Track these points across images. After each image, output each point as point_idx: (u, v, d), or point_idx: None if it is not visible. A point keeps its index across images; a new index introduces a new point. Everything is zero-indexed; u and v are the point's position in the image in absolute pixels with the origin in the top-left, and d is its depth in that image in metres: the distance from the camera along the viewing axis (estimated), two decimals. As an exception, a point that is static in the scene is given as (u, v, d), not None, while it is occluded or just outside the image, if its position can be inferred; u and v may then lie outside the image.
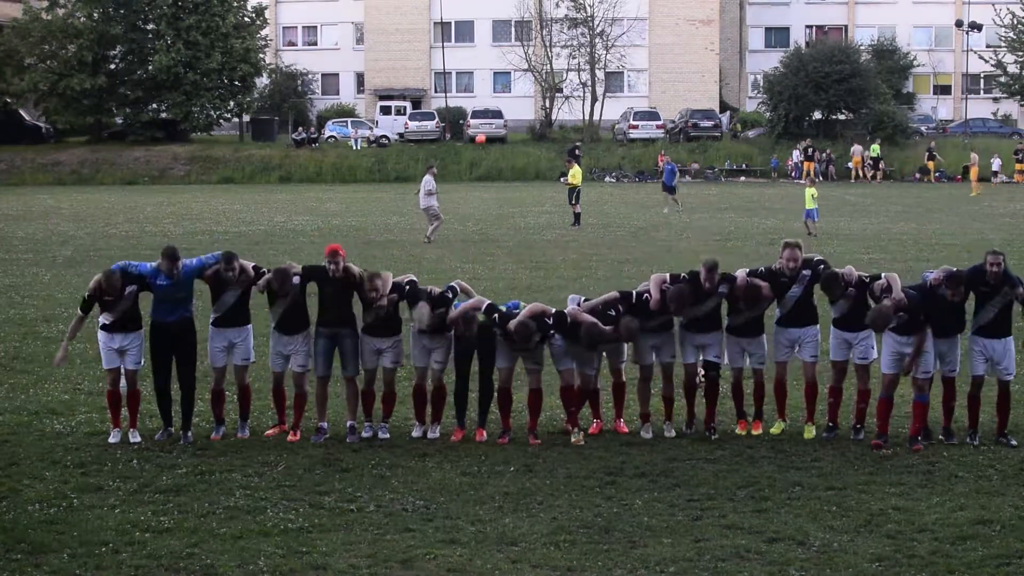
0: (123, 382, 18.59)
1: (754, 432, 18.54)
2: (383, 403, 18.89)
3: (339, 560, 13.28)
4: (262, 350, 19.46)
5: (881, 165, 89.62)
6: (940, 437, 18.15)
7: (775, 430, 18.81)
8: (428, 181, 46.81)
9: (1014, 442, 17.86)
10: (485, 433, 18.58)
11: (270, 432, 18.64)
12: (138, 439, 18.18)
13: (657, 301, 18.27)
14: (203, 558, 13.36)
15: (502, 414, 18.61)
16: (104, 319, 18.32)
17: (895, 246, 43.17)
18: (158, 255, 18.62)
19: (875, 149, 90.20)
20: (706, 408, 18.73)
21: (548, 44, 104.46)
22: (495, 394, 18.69)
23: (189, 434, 18.58)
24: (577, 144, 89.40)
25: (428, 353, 18.57)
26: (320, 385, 18.70)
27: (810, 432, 18.64)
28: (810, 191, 48.54)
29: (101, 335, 18.43)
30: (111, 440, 18.18)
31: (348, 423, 18.82)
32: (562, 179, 57.13)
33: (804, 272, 18.62)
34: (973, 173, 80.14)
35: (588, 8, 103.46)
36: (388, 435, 18.57)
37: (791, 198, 68.47)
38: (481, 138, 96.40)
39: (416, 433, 18.59)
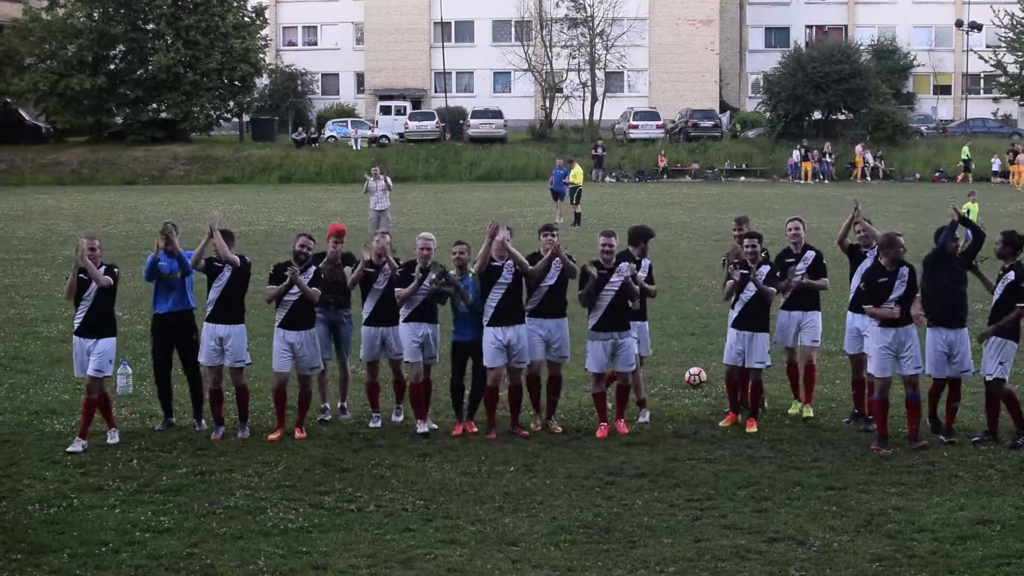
0: (123, 383, 18.68)
1: (748, 430, 18.71)
2: (394, 389, 19.49)
3: (339, 560, 13.30)
4: (262, 351, 19.48)
5: (971, 167, 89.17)
6: (940, 437, 18.17)
7: (793, 410, 19.66)
8: (368, 182, 46.70)
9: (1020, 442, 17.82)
10: (474, 426, 18.92)
11: (273, 437, 18.47)
12: (78, 448, 17.81)
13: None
14: (203, 558, 13.38)
15: (488, 411, 18.77)
16: (77, 317, 18.23)
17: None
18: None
19: (965, 152, 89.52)
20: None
21: (548, 44, 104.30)
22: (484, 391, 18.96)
23: (203, 421, 18.99)
24: (600, 143, 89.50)
25: (420, 348, 18.74)
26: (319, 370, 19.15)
27: (808, 412, 19.47)
28: (975, 207, 42.44)
29: (74, 340, 18.40)
30: (109, 441, 18.17)
31: (340, 404, 19.64)
32: (564, 180, 56.95)
33: (809, 252, 19.46)
34: (1020, 170, 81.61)
35: (588, 8, 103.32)
36: (401, 417, 19.16)
37: (791, 198, 68.50)
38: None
39: (422, 429, 18.72)
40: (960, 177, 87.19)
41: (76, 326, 18.24)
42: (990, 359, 17.87)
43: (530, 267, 18.52)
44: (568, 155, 72.49)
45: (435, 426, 18.98)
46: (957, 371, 18.32)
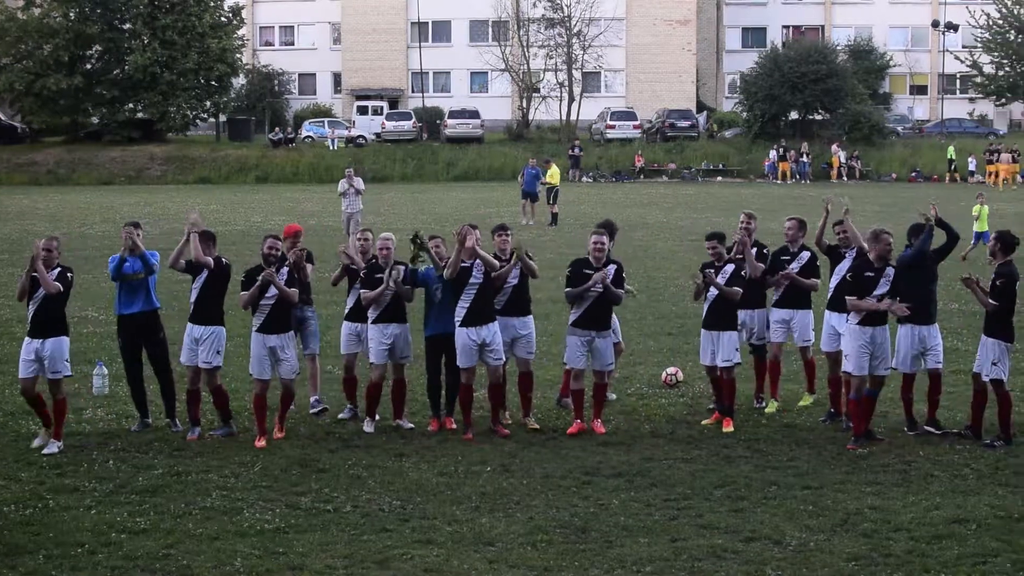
0: (99, 384, 18.61)
1: (725, 429, 18.84)
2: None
3: (316, 561, 13.28)
4: (239, 351, 19.43)
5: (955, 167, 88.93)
6: (929, 429, 18.36)
7: (769, 409, 19.82)
8: (341, 184, 45.85)
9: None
10: (453, 422, 19.09)
11: (260, 444, 18.10)
12: (55, 450, 17.74)
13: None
14: (179, 559, 13.35)
15: (464, 411, 18.80)
16: (28, 317, 18.08)
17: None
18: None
19: (951, 152, 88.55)
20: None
21: (525, 44, 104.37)
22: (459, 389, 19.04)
23: (177, 422, 18.98)
24: (577, 143, 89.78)
25: (389, 351, 18.85)
26: None
27: (807, 400, 20.14)
28: (984, 209, 41.65)
29: (24, 341, 18.23)
30: (35, 443, 17.95)
31: (312, 398, 19.69)
32: (541, 180, 56.86)
33: (804, 252, 19.78)
34: (1005, 170, 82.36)
35: (565, 8, 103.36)
36: (372, 428, 18.91)
37: (768, 198, 68.55)
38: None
39: (368, 428, 18.88)
40: (948, 178, 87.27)
41: (28, 328, 18.09)
42: (984, 360, 18.04)
43: (497, 264, 18.61)
44: (545, 155, 72.49)
45: (411, 425, 18.99)
46: (932, 364, 18.60)
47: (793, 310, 19.94)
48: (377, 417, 19.12)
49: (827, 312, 19.52)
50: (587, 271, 18.70)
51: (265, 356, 18.29)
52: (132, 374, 19.27)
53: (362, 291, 18.93)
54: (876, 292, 17.80)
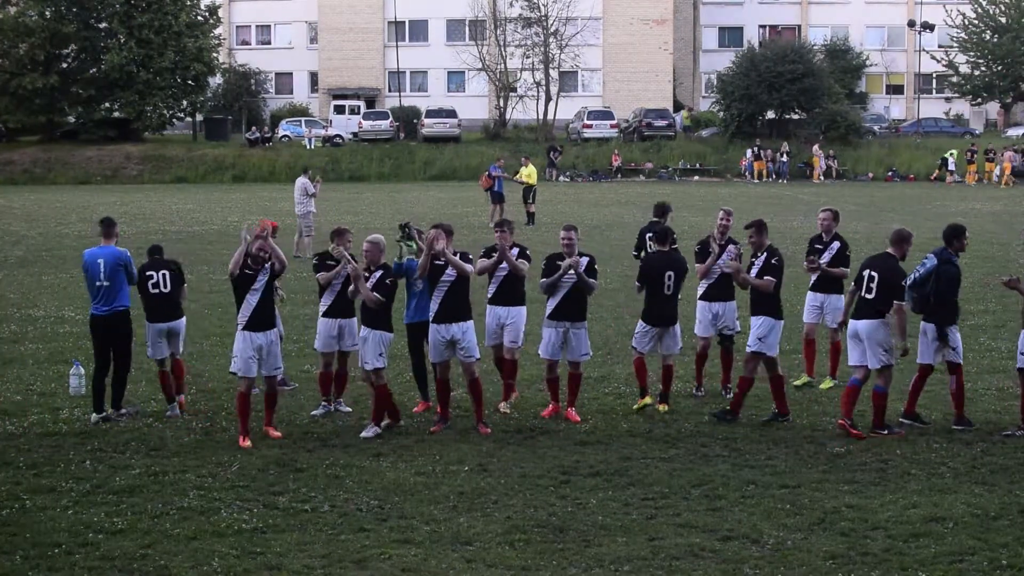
0: (76, 384, 18.51)
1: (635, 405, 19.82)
2: (336, 381, 19.93)
3: (293, 561, 13.26)
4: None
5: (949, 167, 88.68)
6: (904, 421, 18.83)
7: (825, 385, 21.31)
8: (300, 184, 44.59)
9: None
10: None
11: (245, 444, 17.98)
12: None
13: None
14: (157, 559, 13.31)
15: (440, 403, 19.02)
16: None
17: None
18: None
19: (953, 153, 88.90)
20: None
21: (502, 43, 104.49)
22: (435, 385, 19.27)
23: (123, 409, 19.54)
24: (555, 144, 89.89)
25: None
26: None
27: (828, 383, 21.29)
28: None
29: None
30: None
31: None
32: (516, 178, 56.73)
33: (835, 243, 20.96)
34: (1007, 168, 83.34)
35: (542, 7, 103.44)
36: (343, 406, 19.56)
37: (744, 197, 68.65)
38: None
39: (317, 412, 19.49)
40: (949, 178, 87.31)
41: None
42: (1020, 352, 18.35)
43: (468, 268, 18.77)
44: (523, 154, 72.41)
45: (377, 430, 18.77)
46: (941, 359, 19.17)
47: (826, 295, 21.12)
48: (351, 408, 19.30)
49: (753, 318, 19.40)
50: (560, 263, 19.14)
51: (252, 356, 18.17)
52: (106, 370, 19.42)
53: (320, 274, 19.57)
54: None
